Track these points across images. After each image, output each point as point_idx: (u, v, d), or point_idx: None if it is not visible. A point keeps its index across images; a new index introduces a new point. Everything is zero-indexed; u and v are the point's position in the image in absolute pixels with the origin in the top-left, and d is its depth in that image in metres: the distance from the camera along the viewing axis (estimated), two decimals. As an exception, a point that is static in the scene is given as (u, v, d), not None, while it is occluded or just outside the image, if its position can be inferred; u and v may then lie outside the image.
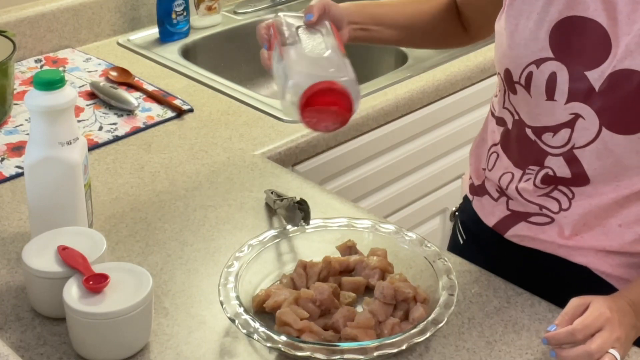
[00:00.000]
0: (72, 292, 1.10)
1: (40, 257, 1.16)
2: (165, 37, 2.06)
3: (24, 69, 1.90)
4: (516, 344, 1.14)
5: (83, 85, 1.83)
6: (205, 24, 2.14)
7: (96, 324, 1.08)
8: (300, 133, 1.66)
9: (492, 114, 1.33)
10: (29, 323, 1.17)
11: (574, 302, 1.09)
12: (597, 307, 1.08)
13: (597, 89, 1.13)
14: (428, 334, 1.09)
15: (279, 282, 1.22)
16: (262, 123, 1.70)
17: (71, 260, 1.14)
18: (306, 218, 1.29)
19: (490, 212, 1.34)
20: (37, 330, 1.16)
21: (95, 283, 1.10)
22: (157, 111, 1.74)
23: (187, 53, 2.04)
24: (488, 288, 1.24)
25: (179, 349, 1.13)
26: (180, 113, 1.73)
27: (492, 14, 1.28)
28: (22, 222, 1.38)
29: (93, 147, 1.59)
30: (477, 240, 1.40)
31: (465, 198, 1.45)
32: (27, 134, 1.39)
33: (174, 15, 2.05)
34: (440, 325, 1.10)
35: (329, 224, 1.30)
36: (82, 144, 1.27)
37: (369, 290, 1.21)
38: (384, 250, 1.25)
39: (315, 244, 1.28)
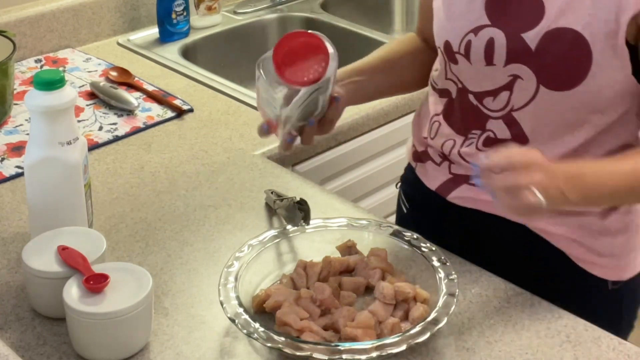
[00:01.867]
0: (72, 292, 1.10)
1: (40, 257, 1.16)
2: (165, 37, 2.06)
3: (24, 69, 1.90)
4: (516, 344, 1.14)
5: (83, 85, 1.83)
6: (205, 24, 2.14)
7: (96, 324, 1.08)
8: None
9: (434, 88, 1.37)
10: (29, 323, 1.17)
11: (505, 149, 1.09)
12: (537, 154, 1.08)
13: (533, 48, 1.18)
14: (428, 334, 1.09)
15: (279, 282, 1.22)
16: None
17: (71, 260, 1.14)
18: (306, 218, 1.29)
19: (433, 177, 1.37)
20: (37, 330, 1.16)
21: (95, 283, 1.10)
22: (157, 111, 1.74)
23: (187, 53, 2.04)
24: (488, 288, 1.24)
25: (179, 349, 1.13)
26: (180, 113, 1.73)
27: None
28: (22, 222, 1.38)
29: (93, 147, 1.59)
30: (420, 207, 1.45)
31: (408, 168, 1.49)
32: (27, 134, 1.39)
33: (174, 15, 2.05)
34: (440, 325, 1.10)
35: (329, 224, 1.30)
36: (82, 144, 1.27)
37: (369, 290, 1.21)
38: (384, 250, 1.25)
39: (315, 244, 1.28)
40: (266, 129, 1.23)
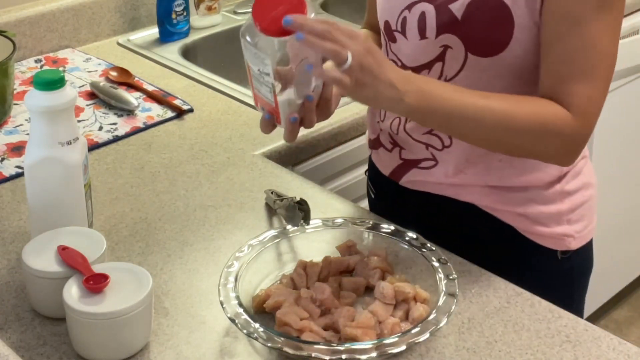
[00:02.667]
0: (72, 292, 1.10)
1: (40, 257, 1.16)
2: (165, 37, 2.06)
3: (24, 69, 1.90)
4: (516, 344, 1.14)
5: (83, 85, 1.83)
6: (205, 24, 2.14)
7: (96, 324, 1.08)
8: (300, 133, 1.66)
9: None
10: (29, 323, 1.17)
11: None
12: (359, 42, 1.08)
13: (459, 18, 1.24)
14: (428, 334, 1.09)
15: (279, 282, 1.22)
16: (262, 123, 1.70)
17: (71, 260, 1.14)
18: (306, 218, 1.29)
19: (385, 163, 1.43)
20: (37, 330, 1.16)
21: (95, 283, 1.10)
22: (157, 111, 1.74)
23: (187, 53, 2.04)
24: (488, 288, 1.24)
25: (179, 349, 1.13)
26: (180, 113, 1.73)
27: None
28: (22, 222, 1.38)
29: (93, 147, 1.59)
30: (383, 193, 1.50)
31: (370, 155, 1.53)
32: (27, 134, 1.39)
33: (174, 15, 2.05)
34: (440, 325, 1.10)
35: (329, 224, 1.30)
36: (82, 144, 1.27)
37: (369, 290, 1.21)
38: (384, 250, 1.25)
39: (315, 244, 1.28)
40: (268, 117, 1.20)
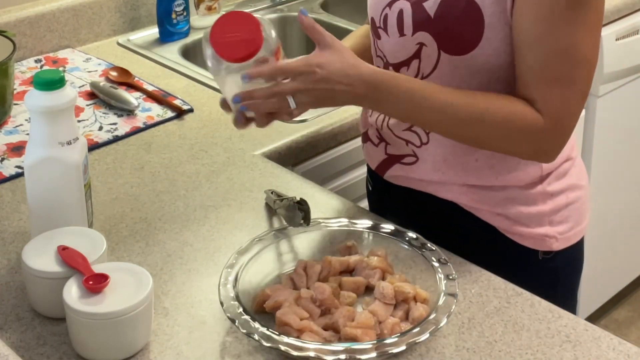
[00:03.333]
0: (72, 292, 1.10)
1: (40, 257, 1.16)
2: (165, 37, 2.06)
3: (24, 69, 1.90)
4: (516, 344, 1.14)
5: (83, 85, 1.83)
6: (205, 24, 2.14)
7: (96, 324, 1.08)
8: (300, 133, 1.66)
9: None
10: (29, 323, 1.17)
11: (305, 57, 1.20)
12: (309, 60, 1.19)
13: (432, 15, 1.26)
14: (428, 334, 1.09)
15: (279, 282, 1.22)
16: (262, 123, 1.70)
17: (71, 260, 1.14)
18: (306, 218, 1.29)
19: (372, 157, 1.46)
20: (37, 330, 1.16)
21: (95, 283, 1.10)
22: (157, 111, 1.74)
23: (187, 53, 2.04)
24: (488, 288, 1.24)
25: (179, 349, 1.13)
26: (180, 113, 1.73)
27: None
28: (22, 222, 1.38)
29: (93, 147, 1.59)
30: (375, 186, 1.52)
31: None
32: (27, 134, 1.39)
33: (174, 15, 2.05)
34: (440, 325, 1.10)
35: (329, 224, 1.30)
36: (82, 144, 1.27)
37: (369, 290, 1.21)
38: (384, 250, 1.25)
39: (315, 244, 1.28)
40: (222, 102, 1.28)
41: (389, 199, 1.46)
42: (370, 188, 1.57)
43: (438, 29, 1.26)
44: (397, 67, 1.33)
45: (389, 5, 1.31)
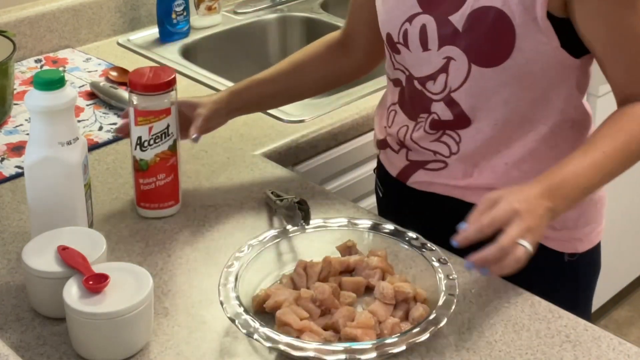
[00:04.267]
0: (72, 292, 1.10)
1: (40, 257, 1.16)
2: (165, 37, 2.06)
3: (24, 69, 1.90)
4: (516, 344, 1.14)
5: (83, 85, 1.83)
6: (205, 24, 2.14)
7: (96, 324, 1.08)
8: (300, 133, 1.66)
9: (388, 78, 1.43)
10: (29, 323, 1.17)
11: (485, 198, 1.15)
12: (505, 200, 1.13)
13: (460, 29, 1.24)
14: (428, 334, 1.09)
15: (279, 282, 1.22)
16: (262, 123, 1.70)
17: (71, 260, 1.14)
18: (306, 218, 1.29)
19: (393, 164, 1.44)
20: (37, 330, 1.16)
21: (95, 283, 1.10)
22: (157, 111, 1.74)
23: (187, 53, 2.04)
24: (488, 288, 1.24)
25: (179, 349, 1.13)
26: (180, 113, 1.73)
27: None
28: (22, 222, 1.38)
29: (93, 147, 1.59)
30: (390, 192, 1.50)
31: (379, 154, 1.54)
32: (27, 134, 1.39)
33: (174, 15, 2.05)
34: (440, 325, 1.10)
35: (329, 224, 1.30)
36: (82, 144, 1.27)
37: (369, 290, 1.21)
38: (384, 250, 1.25)
39: (315, 244, 1.28)
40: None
41: (408, 205, 1.44)
42: (380, 195, 1.55)
43: (467, 43, 1.24)
44: (423, 81, 1.32)
45: (409, 20, 1.29)
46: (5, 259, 1.30)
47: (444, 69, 1.28)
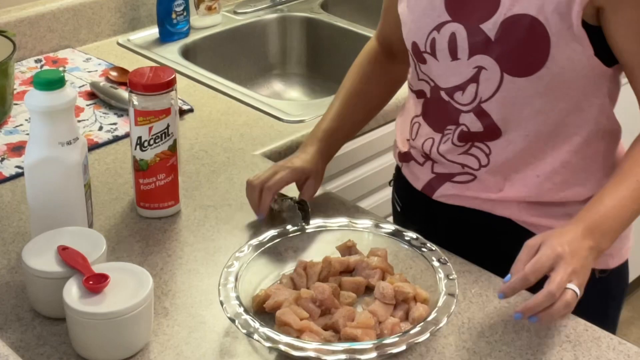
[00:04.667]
0: (72, 292, 1.10)
1: (40, 257, 1.16)
2: (165, 37, 2.06)
3: (24, 69, 1.90)
4: (516, 344, 1.14)
5: (83, 85, 1.83)
6: (205, 24, 2.14)
7: (96, 324, 1.08)
8: (300, 133, 1.66)
9: (411, 90, 1.40)
10: (29, 323, 1.17)
11: (526, 246, 1.13)
12: (547, 245, 1.11)
13: (492, 38, 1.21)
14: (428, 334, 1.09)
15: (279, 282, 1.22)
16: (262, 123, 1.70)
17: (71, 260, 1.14)
18: (306, 218, 1.29)
19: (417, 177, 1.40)
20: (37, 330, 1.16)
21: (95, 283, 1.10)
22: (157, 111, 1.74)
23: (187, 53, 2.04)
24: (488, 288, 1.24)
25: (179, 349, 1.13)
26: (180, 113, 1.73)
27: None
28: (22, 222, 1.38)
29: (93, 147, 1.59)
30: (411, 206, 1.46)
31: (397, 167, 1.51)
32: (27, 134, 1.39)
33: (174, 15, 2.05)
34: (440, 325, 1.10)
35: (329, 224, 1.30)
36: (82, 144, 1.27)
37: (369, 290, 1.21)
38: (384, 250, 1.25)
39: (315, 244, 1.28)
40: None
41: (432, 219, 1.41)
42: (398, 209, 1.52)
43: (500, 52, 1.21)
44: (450, 92, 1.28)
45: (437, 29, 1.25)
46: (5, 259, 1.30)
47: (474, 78, 1.24)
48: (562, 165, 1.29)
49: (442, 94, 1.30)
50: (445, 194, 1.36)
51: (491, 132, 1.28)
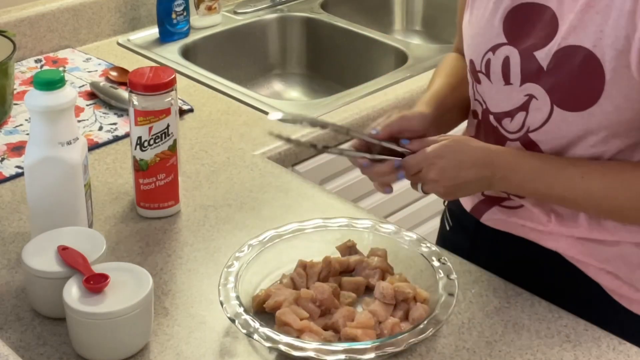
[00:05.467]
0: (72, 292, 1.10)
1: (40, 257, 1.16)
2: (165, 37, 2.06)
3: (24, 69, 1.90)
4: (516, 344, 1.14)
5: (83, 85, 1.83)
6: (205, 24, 2.14)
7: (96, 324, 1.08)
8: (300, 133, 1.66)
9: (471, 107, 1.36)
10: (29, 323, 1.17)
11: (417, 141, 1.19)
12: (429, 151, 1.16)
13: (545, 67, 1.15)
14: (428, 334, 1.09)
15: (279, 282, 1.22)
16: (262, 123, 1.70)
17: (71, 260, 1.14)
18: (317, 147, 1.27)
19: (467, 198, 1.37)
20: (37, 330, 1.16)
21: (95, 283, 1.10)
22: (157, 111, 1.74)
23: (187, 53, 2.04)
24: (488, 288, 1.24)
25: (179, 349, 1.13)
26: (180, 113, 1.73)
27: None
28: (22, 222, 1.38)
29: (93, 147, 1.59)
30: (462, 226, 1.43)
31: None
32: (27, 134, 1.39)
33: (174, 15, 2.05)
34: (440, 325, 1.10)
35: (329, 224, 1.30)
36: (82, 144, 1.27)
37: (369, 290, 1.21)
38: (384, 250, 1.25)
39: (315, 244, 1.28)
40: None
41: (478, 243, 1.37)
42: (448, 227, 1.47)
43: (551, 83, 1.15)
44: (499, 118, 1.23)
45: (492, 50, 1.20)
46: (5, 259, 1.30)
47: (524, 107, 1.19)
48: None
49: (491, 118, 1.25)
50: (493, 217, 1.31)
51: None
